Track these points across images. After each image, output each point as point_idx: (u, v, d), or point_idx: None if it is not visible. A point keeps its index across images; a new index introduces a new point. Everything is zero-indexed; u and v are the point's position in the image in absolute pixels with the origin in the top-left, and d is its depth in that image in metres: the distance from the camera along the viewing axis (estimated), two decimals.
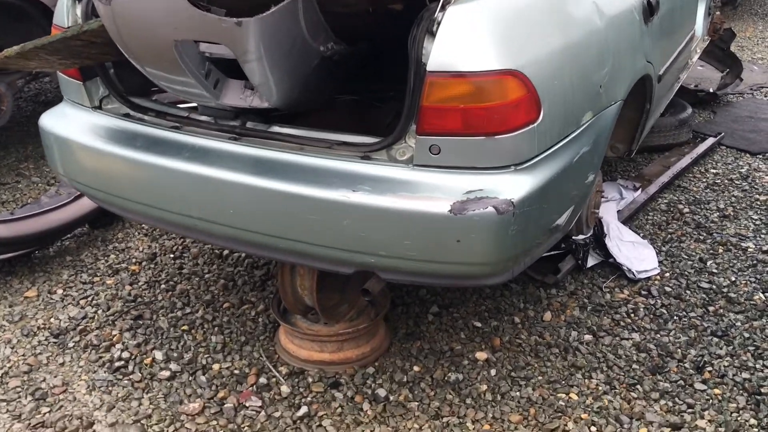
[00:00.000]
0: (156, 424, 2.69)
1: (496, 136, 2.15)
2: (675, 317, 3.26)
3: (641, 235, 3.90)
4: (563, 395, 2.81)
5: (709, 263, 3.67)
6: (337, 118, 3.04)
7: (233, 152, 2.46)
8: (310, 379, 2.89)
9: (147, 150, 2.55)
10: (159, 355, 3.03)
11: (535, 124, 2.22)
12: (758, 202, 4.30)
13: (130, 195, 2.65)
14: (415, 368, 2.95)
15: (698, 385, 2.86)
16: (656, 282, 3.50)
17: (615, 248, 3.59)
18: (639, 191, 4.16)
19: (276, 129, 2.46)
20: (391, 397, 2.79)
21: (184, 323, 3.24)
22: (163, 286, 3.53)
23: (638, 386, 2.85)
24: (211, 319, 3.27)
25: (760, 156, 4.94)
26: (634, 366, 2.97)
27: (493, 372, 2.92)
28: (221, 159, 2.44)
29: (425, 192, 2.18)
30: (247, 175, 2.36)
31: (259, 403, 2.77)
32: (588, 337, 3.13)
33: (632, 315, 3.27)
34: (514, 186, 2.19)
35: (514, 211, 2.15)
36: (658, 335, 3.14)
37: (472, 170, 2.19)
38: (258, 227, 2.41)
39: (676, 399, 2.79)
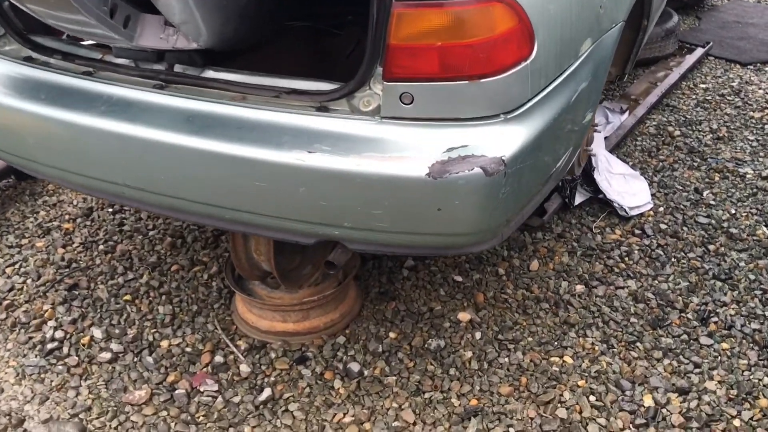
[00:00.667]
0: (97, 417, 2.33)
1: (482, 80, 1.73)
2: (673, 259, 2.94)
3: (630, 164, 3.54)
4: (557, 359, 2.49)
5: (705, 193, 3.34)
6: (289, 56, 2.56)
7: (159, 104, 1.99)
8: (273, 354, 2.53)
9: (53, 103, 2.07)
10: (98, 332, 2.64)
11: (528, 61, 1.79)
12: (753, 120, 3.94)
13: (39, 158, 2.18)
14: (391, 335, 2.60)
15: (704, 340, 2.57)
16: (650, 219, 3.17)
17: (604, 182, 3.23)
18: (626, 114, 3.77)
19: (210, 74, 2.00)
20: (366, 372, 2.45)
21: (126, 292, 2.84)
22: (101, 247, 3.10)
23: (638, 344, 2.55)
24: (158, 285, 2.87)
25: (751, 67, 4.56)
26: (632, 320, 2.66)
27: (478, 335, 2.59)
28: (145, 113, 1.98)
29: (396, 151, 1.77)
30: (177, 133, 1.91)
31: (216, 387, 2.41)
32: (580, 287, 2.80)
33: (626, 259, 2.94)
34: (504, 139, 1.78)
35: (505, 171, 1.75)
36: (656, 281, 2.83)
37: (453, 122, 1.77)
38: (195, 195, 1.98)
39: (681, 357, 2.49)
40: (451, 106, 1.76)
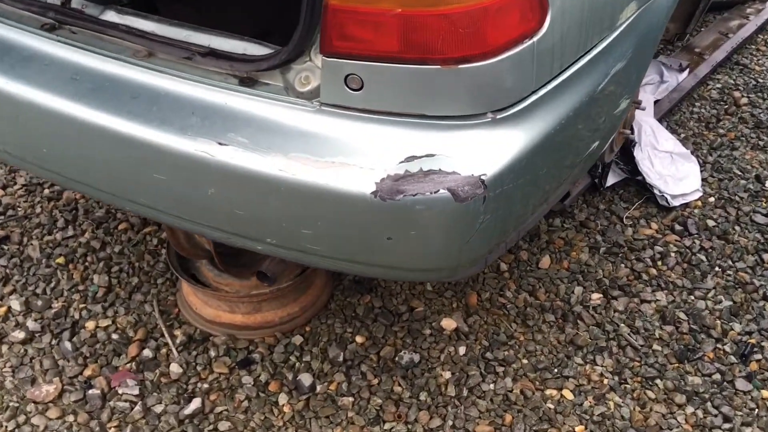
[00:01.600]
0: None
1: (462, 65, 1.17)
2: (717, 268, 2.38)
3: (682, 136, 2.92)
4: (554, 392, 2.01)
5: None
6: (237, 11, 1.99)
7: (44, 53, 1.49)
8: (212, 352, 2.10)
9: None
10: (17, 303, 2.23)
11: (535, 39, 1.23)
12: None
13: None
14: (358, 339, 2.14)
15: (740, 383, 2.05)
16: (696, 211, 2.59)
17: (646, 161, 2.64)
18: (686, 72, 3.11)
19: (112, 16, 1.48)
20: (318, 387, 2.01)
21: (61, 252, 2.41)
22: (46, 191, 2.66)
23: (658, 381, 2.04)
24: (99, 247, 2.43)
25: None
26: (655, 347, 2.14)
27: (462, 350, 2.11)
28: (25, 63, 1.47)
29: (335, 155, 1.25)
30: (55, 94, 1.41)
31: (136, 391, 2.00)
32: (596, 297, 2.28)
33: (659, 263, 2.40)
34: (489, 149, 1.24)
35: (485, 195, 1.21)
36: (692, 297, 2.29)
37: (418, 121, 1.23)
38: (86, 177, 1.49)
39: (709, 405, 1.98)
40: (415, 99, 1.22)
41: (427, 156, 1.22)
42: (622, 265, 2.40)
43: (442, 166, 1.21)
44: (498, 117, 1.25)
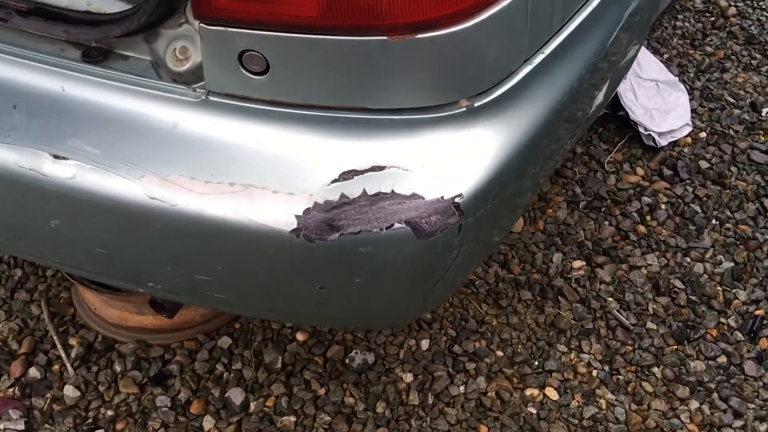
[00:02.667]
0: None
1: (421, 33, 0.71)
2: (714, 221, 2.04)
3: (665, 57, 2.51)
4: (535, 391, 1.67)
5: (765, 111, 2.36)
6: None
7: None
8: (118, 366, 1.68)
9: None
10: None
11: None
12: None
13: None
14: (300, 337, 1.75)
15: (750, 367, 1.74)
16: (686, 150, 2.22)
17: (629, 93, 2.24)
18: None
19: None
20: (252, 404, 1.63)
21: None
22: None
23: (655, 369, 1.72)
24: None
25: None
26: (650, 325, 1.81)
27: (424, 344, 1.74)
28: None
29: (235, 172, 0.80)
30: None
31: (22, 426, 1.58)
32: (578, 264, 1.91)
33: (648, 218, 2.03)
34: (464, 154, 0.81)
35: (461, 224, 0.78)
36: (688, 259, 1.95)
37: (355, 116, 0.77)
38: None
39: (716, 397, 1.67)
40: (351, 86, 0.76)
41: (373, 170, 0.79)
42: (606, 223, 2.03)
43: (396, 186, 0.78)
44: (476, 105, 0.81)
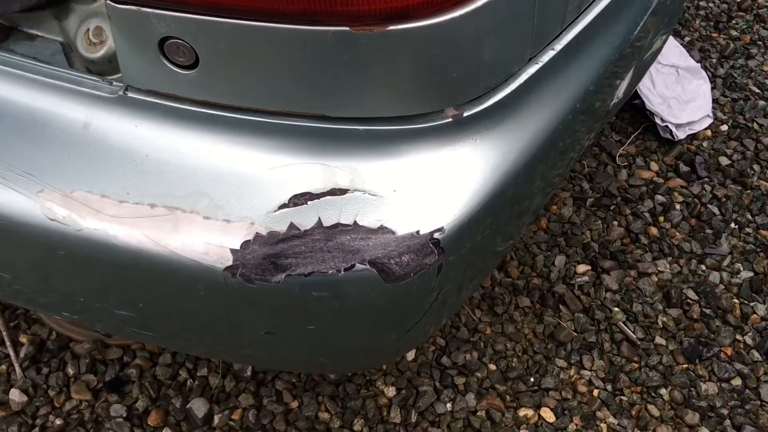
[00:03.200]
0: None
1: (393, 25, 0.52)
2: (733, 224, 1.86)
3: (686, 40, 2.31)
4: (529, 411, 1.51)
5: None
6: None
7: None
8: (71, 369, 1.53)
9: None
10: None
11: None
12: None
13: None
14: None
15: (766, 390, 1.57)
16: (705, 144, 2.03)
17: (646, 80, 2.05)
18: None
19: None
20: (217, 417, 1.48)
21: None
22: None
23: (663, 390, 1.56)
24: None
25: None
26: (659, 340, 1.64)
27: (410, 354, 1.57)
28: None
29: (156, 192, 0.60)
30: None
31: None
32: (583, 269, 1.74)
33: (661, 219, 1.86)
34: (448, 177, 0.61)
35: (440, 263, 0.60)
36: (703, 266, 1.77)
37: (311, 124, 0.59)
38: None
39: (728, 426, 1.52)
40: (304, 88, 0.57)
41: (331, 194, 0.61)
42: (615, 223, 1.85)
43: (360, 216, 0.60)
44: (466, 115, 0.63)
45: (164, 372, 1.53)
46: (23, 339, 1.56)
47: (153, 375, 1.53)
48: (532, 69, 0.69)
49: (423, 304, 0.69)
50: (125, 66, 0.65)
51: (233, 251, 0.61)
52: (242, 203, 0.63)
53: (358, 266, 0.61)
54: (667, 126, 2.01)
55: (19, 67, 0.68)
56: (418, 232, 0.62)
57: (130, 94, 0.65)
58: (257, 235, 0.61)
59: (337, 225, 0.61)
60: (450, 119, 0.64)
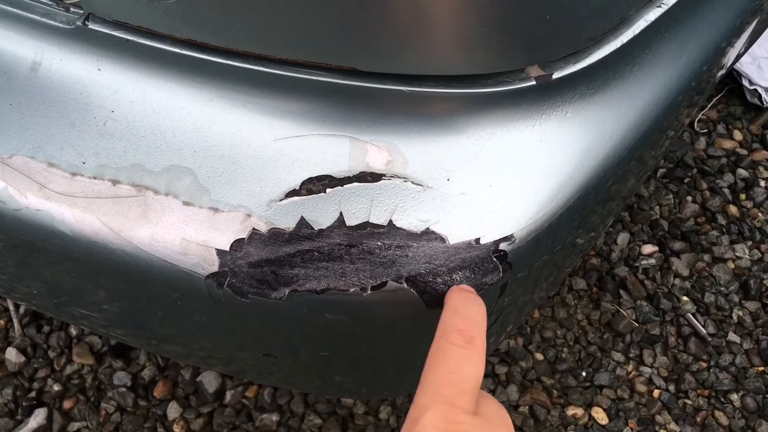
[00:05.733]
0: None
1: None
2: None
3: None
4: (578, 411, 1.34)
5: None
6: None
7: None
8: (74, 330, 1.40)
9: None
10: None
11: None
12: None
13: None
14: None
15: None
16: None
17: None
18: None
19: None
20: (229, 394, 1.35)
21: None
22: None
23: (734, 395, 1.37)
24: None
25: None
26: (732, 337, 1.44)
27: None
28: None
29: (116, 163, 0.43)
30: None
31: None
32: (649, 249, 1.54)
33: (743, 196, 1.64)
34: (526, 164, 0.41)
35: (505, 282, 0.41)
36: None
37: (335, 81, 0.39)
38: None
39: None
40: (329, 28, 0.38)
41: (359, 179, 0.42)
42: (689, 199, 1.64)
43: (398, 214, 0.42)
44: (556, 77, 0.43)
45: None
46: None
47: None
48: (653, 14, 0.49)
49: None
50: None
51: (220, 253, 0.44)
52: (236, 186, 0.45)
53: (392, 284, 0.43)
54: (755, 89, 1.77)
55: None
56: (477, 240, 0.44)
57: (91, 26, 0.47)
58: (254, 233, 0.43)
59: (365, 225, 0.43)
60: (533, 82, 0.45)
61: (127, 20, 0.47)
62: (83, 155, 0.47)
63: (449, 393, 0.41)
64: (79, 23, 0.48)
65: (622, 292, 1.48)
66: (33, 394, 1.33)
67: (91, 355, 1.37)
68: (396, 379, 0.57)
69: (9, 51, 0.50)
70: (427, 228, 0.45)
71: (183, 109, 0.48)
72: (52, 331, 1.40)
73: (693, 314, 1.46)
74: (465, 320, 0.42)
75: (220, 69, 0.47)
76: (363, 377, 0.58)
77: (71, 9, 0.49)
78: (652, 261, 1.53)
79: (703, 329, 1.44)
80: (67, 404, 1.32)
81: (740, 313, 1.47)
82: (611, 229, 1.58)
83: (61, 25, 0.49)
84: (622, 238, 1.56)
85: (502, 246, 0.45)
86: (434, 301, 0.45)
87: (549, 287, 0.60)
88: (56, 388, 1.33)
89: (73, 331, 1.39)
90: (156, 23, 0.46)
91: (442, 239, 0.45)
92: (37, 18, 0.49)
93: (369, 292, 0.45)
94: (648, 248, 1.56)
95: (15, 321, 1.39)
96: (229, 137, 0.47)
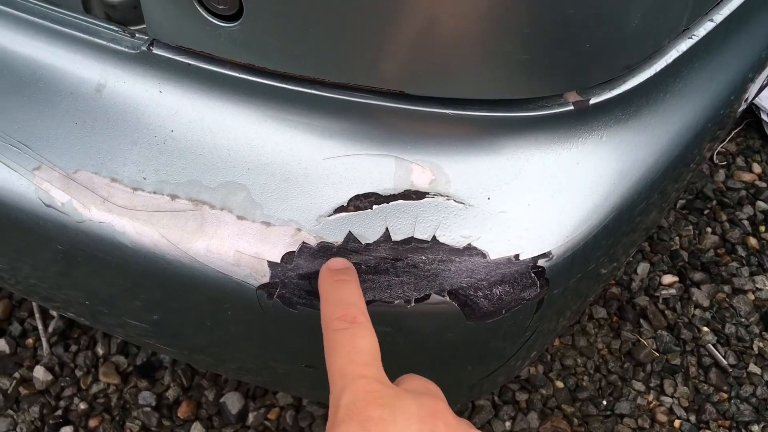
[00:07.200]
0: None
1: None
2: None
3: None
4: None
5: None
6: None
7: None
8: (101, 349, 1.43)
9: None
10: None
11: None
12: None
13: None
14: None
15: None
16: None
17: None
18: None
19: None
20: (251, 416, 1.36)
21: None
22: None
23: (754, 427, 1.37)
24: None
25: None
26: (753, 368, 1.45)
27: None
28: None
29: (174, 179, 0.46)
30: None
31: None
32: (669, 279, 1.55)
33: (762, 228, 1.65)
34: (564, 186, 0.44)
35: (541, 298, 0.44)
36: None
37: (382, 104, 0.42)
38: None
39: None
40: (382, 54, 0.41)
41: (404, 197, 0.45)
42: (709, 230, 1.65)
43: (441, 230, 0.45)
44: (593, 102, 0.46)
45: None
46: (53, 312, 1.46)
47: (186, 363, 1.41)
48: (684, 45, 0.52)
49: (511, 346, 0.53)
50: (151, 13, 0.50)
51: (272, 265, 0.46)
52: (287, 202, 0.48)
53: (435, 297, 0.45)
54: None
55: (22, 9, 0.54)
56: (517, 256, 0.46)
57: (155, 51, 0.51)
58: (304, 246, 0.46)
59: (409, 240, 0.46)
60: (571, 107, 0.48)
61: (190, 46, 0.50)
62: (144, 171, 0.50)
63: (354, 369, 0.42)
64: (144, 48, 0.52)
65: (642, 321, 1.49)
66: (59, 412, 1.36)
67: (117, 374, 1.40)
68: (452, 395, 0.59)
69: (75, 73, 0.53)
70: (469, 244, 0.47)
71: (238, 129, 0.51)
72: (79, 350, 1.42)
73: (713, 345, 1.47)
74: (340, 306, 0.44)
75: (274, 92, 0.50)
76: None
77: (137, 35, 0.53)
78: (673, 291, 1.54)
79: (723, 360, 1.45)
80: (92, 423, 1.34)
81: (761, 344, 1.48)
82: (632, 258, 1.60)
83: (126, 49, 0.52)
84: (643, 267, 1.57)
85: (541, 262, 0.47)
86: (474, 314, 0.47)
87: (572, 315, 0.62)
88: (82, 406, 1.35)
89: (100, 351, 1.42)
90: (217, 49, 0.50)
91: (483, 255, 0.47)
92: (104, 43, 0.52)
93: (413, 304, 0.47)
94: (668, 278, 1.57)
95: (43, 340, 1.42)
96: (281, 156, 0.50)
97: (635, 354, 1.45)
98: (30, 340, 1.44)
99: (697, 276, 1.57)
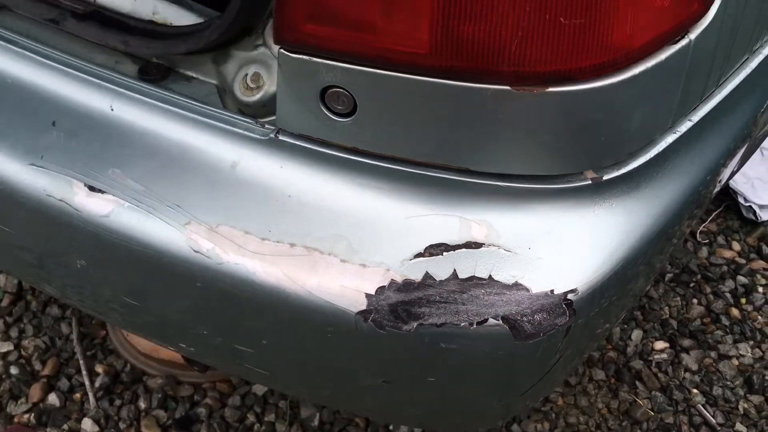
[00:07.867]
0: None
1: (554, 87, 0.55)
2: None
3: None
4: None
5: None
6: None
7: None
8: (143, 403, 1.55)
9: None
10: None
11: (692, 36, 0.59)
12: None
13: None
14: None
15: None
16: None
17: None
18: None
19: None
20: None
21: None
22: None
23: None
24: None
25: None
26: (739, 427, 1.59)
27: None
28: None
29: (298, 230, 0.63)
30: None
31: None
32: (661, 345, 1.71)
33: (743, 300, 1.82)
34: (585, 238, 0.63)
35: (570, 325, 0.61)
36: None
37: (453, 177, 0.61)
38: None
39: None
40: (454, 141, 0.60)
41: (467, 247, 0.63)
42: (695, 301, 1.82)
43: (495, 271, 0.62)
44: (605, 179, 0.64)
45: (233, 414, 1.54)
46: (99, 369, 1.60)
47: (221, 416, 1.54)
48: (671, 138, 0.71)
49: (544, 366, 0.70)
50: (282, 110, 0.69)
51: (368, 296, 0.63)
52: (379, 249, 0.65)
53: (491, 321, 0.62)
54: (750, 206, 1.99)
55: (176, 105, 0.72)
56: (552, 291, 0.63)
57: (281, 137, 0.69)
58: (392, 282, 0.63)
59: (472, 278, 0.63)
60: (589, 181, 0.66)
61: (310, 134, 0.69)
62: (269, 226, 0.68)
63: None
64: (272, 135, 0.70)
65: (638, 383, 1.64)
66: None
67: (157, 427, 1.52)
68: (481, 410, 0.75)
69: (215, 153, 0.71)
70: (516, 281, 0.64)
71: (341, 195, 0.68)
72: (123, 404, 1.56)
73: (703, 405, 1.62)
74: None
75: (371, 167, 0.68)
76: (455, 407, 0.75)
77: (266, 125, 0.71)
78: (664, 356, 1.70)
79: (712, 419, 1.59)
80: None
81: (746, 405, 1.63)
82: (626, 326, 1.76)
83: (257, 136, 0.70)
84: (636, 334, 1.73)
85: (570, 296, 0.65)
86: (520, 335, 0.64)
87: (593, 342, 0.78)
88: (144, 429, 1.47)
89: (142, 405, 1.55)
90: (330, 136, 0.68)
91: (527, 289, 0.65)
92: (240, 131, 0.71)
93: (475, 326, 0.64)
94: (660, 344, 1.73)
95: (90, 394, 1.55)
96: (373, 213, 0.68)
97: (632, 413, 1.59)
98: (77, 395, 1.57)
99: (686, 342, 1.73)
